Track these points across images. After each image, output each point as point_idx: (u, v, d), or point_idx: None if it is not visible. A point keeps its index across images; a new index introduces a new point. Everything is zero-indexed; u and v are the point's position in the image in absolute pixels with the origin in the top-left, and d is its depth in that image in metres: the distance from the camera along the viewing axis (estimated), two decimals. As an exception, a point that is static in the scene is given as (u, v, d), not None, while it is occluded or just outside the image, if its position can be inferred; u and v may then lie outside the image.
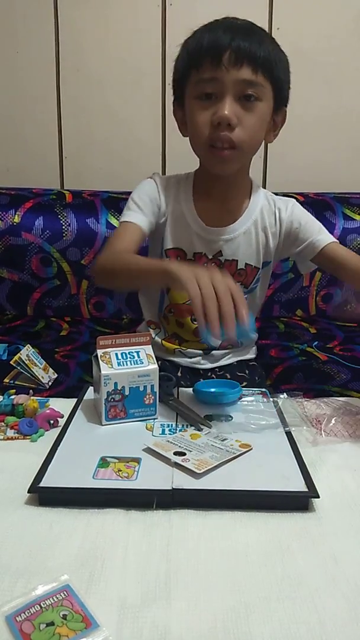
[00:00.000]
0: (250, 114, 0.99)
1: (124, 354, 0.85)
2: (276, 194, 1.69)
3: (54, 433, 0.81)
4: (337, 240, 1.12)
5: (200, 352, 1.18)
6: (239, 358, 1.22)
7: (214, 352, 1.19)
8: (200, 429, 0.81)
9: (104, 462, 0.72)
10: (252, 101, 0.98)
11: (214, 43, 0.96)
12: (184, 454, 0.72)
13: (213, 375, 1.18)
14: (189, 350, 1.18)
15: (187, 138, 1.06)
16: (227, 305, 0.76)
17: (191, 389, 0.94)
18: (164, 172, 1.86)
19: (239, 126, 0.98)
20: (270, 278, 1.23)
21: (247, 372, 1.21)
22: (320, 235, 1.11)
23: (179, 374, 1.16)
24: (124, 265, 0.99)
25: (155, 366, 0.85)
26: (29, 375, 1.08)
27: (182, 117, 1.08)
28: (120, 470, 0.70)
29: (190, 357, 1.19)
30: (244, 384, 1.12)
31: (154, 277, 0.94)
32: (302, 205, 1.65)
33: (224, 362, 1.20)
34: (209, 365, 1.19)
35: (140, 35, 1.76)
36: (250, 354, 1.26)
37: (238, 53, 0.95)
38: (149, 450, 0.74)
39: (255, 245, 1.13)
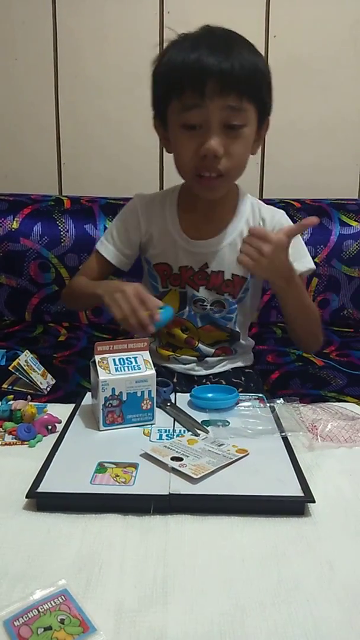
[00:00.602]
0: (236, 142, 0.98)
1: (121, 360, 0.86)
2: (273, 200, 1.70)
3: (52, 438, 0.81)
4: (314, 268, 1.13)
5: (195, 359, 1.19)
6: (235, 365, 1.22)
7: (207, 358, 1.19)
8: (197, 435, 0.82)
9: (101, 468, 0.72)
10: (237, 129, 0.97)
11: (195, 70, 0.93)
12: (181, 459, 0.73)
13: (207, 382, 1.18)
14: (183, 357, 1.19)
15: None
16: (138, 312, 0.93)
17: (188, 394, 0.95)
18: (161, 179, 1.87)
19: (225, 156, 0.98)
20: (261, 286, 1.23)
21: (242, 379, 1.21)
22: (298, 262, 1.08)
23: (174, 379, 1.16)
24: (78, 289, 1.16)
25: (153, 372, 0.86)
26: (27, 380, 1.08)
27: (164, 134, 1.07)
28: (118, 476, 0.70)
29: (185, 364, 1.19)
30: (240, 390, 1.11)
31: (96, 299, 1.02)
32: (299, 211, 1.68)
33: (218, 369, 1.20)
34: (203, 372, 1.19)
35: (138, 43, 1.77)
36: (246, 362, 1.26)
37: (222, 81, 0.92)
38: (146, 456, 0.75)
39: None
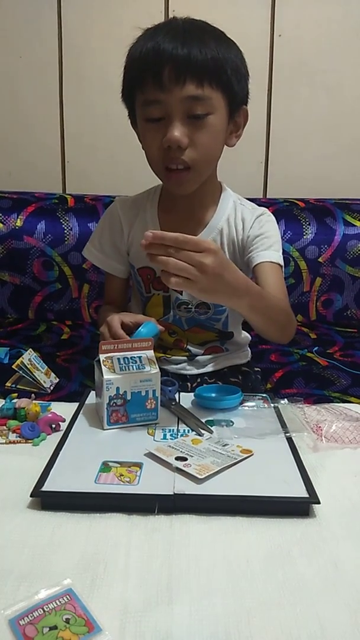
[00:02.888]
0: (202, 131, 0.96)
1: (126, 359, 0.86)
2: (277, 200, 1.70)
3: (56, 437, 0.81)
4: (280, 264, 1.07)
5: (185, 358, 1.18)
6: (230, 363, 1.21)
7: (198, 357, 1.18)
8: (201, 434, 0.81)
9: (105, 467, 0.72)
10: (201, 118, 0.95)
11: (152, 59, 0.92)
12: (186, 459, 0.73)
13: (200, 380, 1.17)
14: (173, 357, 1.19)
15: None
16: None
17: (192, 394, 0.95)
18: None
19: (190, 147, 0.96)
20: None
21: (240, 377, 1.20)
22: (264, 252, 1.06)
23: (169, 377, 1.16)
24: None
25: (157, 371, 0.86)
26: (30, 379, 1.08)
27: (137, 130, 1.07)
28: (122, 475, 0.70)
29: (176, 364, 1.19)
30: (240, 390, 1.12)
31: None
32: (303, 211, 1.68)
33: (211, 367, 1.19)
34: (194, 371, 1.19)
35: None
36: (242, 359, 1.24)
37: (177, 68, 0.91)
38: (150, 455, 0.74)
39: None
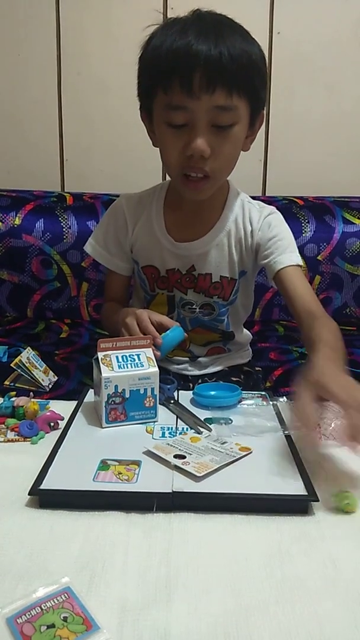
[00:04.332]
0: (225, 141, 0.92)
1: (124, 357, 0.86)
2: (276, 198, 1.69)
3: (55, 435, 0.81)
4: (301, 265, 1.06)
5: (187, 359, 1.18)
6: (231, 363, 1.21)
7: (200, 359, 1.18)
8: (200, 432, 0.81)
9: (104, 465, 0.72)
10: (226, 129, 0.91)
11: (183, 60, 0.86)
12: (184, 457, 0.73)
13: (201, 381, 1.17)
14: (175, 357, 1.18)
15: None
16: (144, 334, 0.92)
17: (191, 392, 0.95)
18: (164, 175, 1.87)
19: (212, 156, 0.92)
20: (253, 285, 1.20)
21: (241, 377, 1.20)
22: (283, 255, 1.04)
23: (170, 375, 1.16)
24: (107, 324, 1.17)
25: (156, 369, 0.86)
26: (29, 377, 1.08)
27: (150, 127, 1.02)
28: (121, 473, 0.70)
29: (178, 364, 1.18)
30: (240, 388, 1.12)
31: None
32: (302, 209, 1.67)
33: (212, 368, 1.19)
34: (196, 372, 1.18)
35: (142, 39, 1.77)
36: (243, 358, 1.24)
37: (209, 75, 0.86)
38: (149, 453, 0.74)
39: (228, 257, 1.08)
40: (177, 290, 1.11)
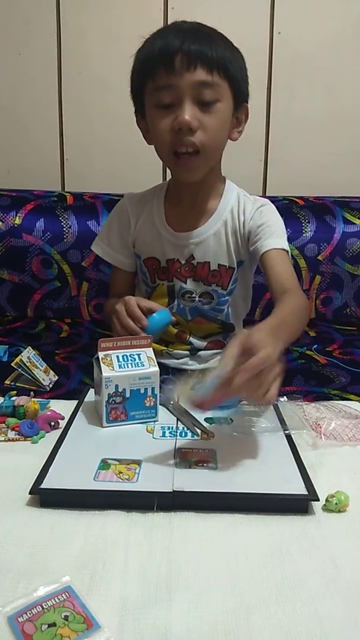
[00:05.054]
0: (211, 115, 0.99)
1: (125, 357, 0.86)
2: (276, 197, 1.70)
3: (55, 435, 0.81)
4: (286, 249, 1.08)
5: (187, 352, 1.19)
6: None
7: (200, 352, 1.19)
8: (197, 434, 0.81)
9: (104, 464, 0.72)
10: (210, 104, 0.99)
11: (164, 49, 0.96)
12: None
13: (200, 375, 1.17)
14: (175, 351, 1.19)
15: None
16: (128, 325, 0.97)
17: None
18: (164, 175, 1.87)
19: (200, 129, 0.99)
20: (252, 279, 1.23)
21: None
22: (268, 240, 1.07)
23: (169, 376, 1.16)
24: (108, 317, 1.12)
25: (156, 369, 0.86)
26: (29, 377, 1.08)
27: (145, 127, 1.09)
28: (121, 472, 0.70)
29: (178, 359, 1.20)
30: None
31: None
32: (302, 209, 1.68)
33: (213, 363, 1.20)
34: (196, 366, 1.19)
35: (142, 39, 1.77)
36: None
37: (189, 55, 0.95)
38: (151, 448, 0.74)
39: (225, 246, 1.13)
40: (177, 280, 1.15)
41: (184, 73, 0.96)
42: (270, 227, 1.10)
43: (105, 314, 1.27)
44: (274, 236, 1.09)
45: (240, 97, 1.04)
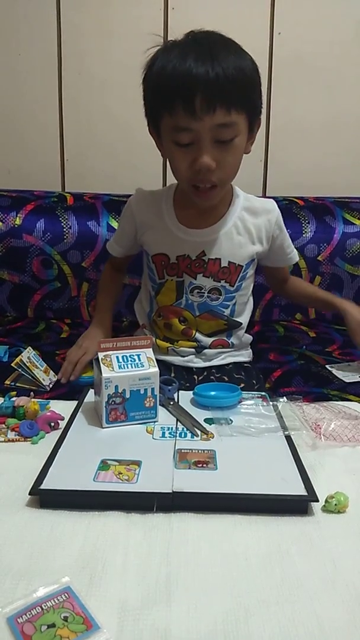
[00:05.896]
0: (228, 153, 1.00)
1: (124, 357, 0.86)
2: (277, 198, 1.70)
3: (55, 435, 0.81)
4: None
5: (193, 350, 1.20)
6: (234, 360, 1.24)
7: (206, 350, 1.20)
8: (196, 435, 0.81)
9: (104, 465, 0.72)
10: (228, 142, 0.99)
11: (183, 84, 0.93)
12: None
13: (212, 378, 1.18)
14: (181, 348, 1.20)
15: None
16: (68, 368, 1.16)
17: (191, 392, 0.95)
18: (164, 175, 1.87)
19: (218, 168, 1.00)
20: (254, 279, 1.27)
21: (243, 374, 1.22)
22: (292, 254, 1.27)
23: (172, 374, 1.16)
24: (98, 295, 1.40)
25: (156, 369, 0.86)
26: (30, 377, 1.09)
27: (158, 139, 1.09)
28: (121, 473, 0.70)
29: (184, 356, 1.20)
30: (242, 385, 1.13)
31: None
32: (302, 209, 1.68)
33: (217, 362, 1.21)
34: (202, 364, 1.20)
35: (142, 39, 1.77)
36: (245, 357, 1.27)
37: (210, 96, 0.93)
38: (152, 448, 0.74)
39: (237, 245, 1.16)
40: (187, 276, 1.17)
41: (204, 117, 0.94)
42: (286, 235, 1.24)
43: (99, 288, 1.43)
44: (291, 246, 1.26)
45: (255, 118, 1.04)
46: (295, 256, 1.28)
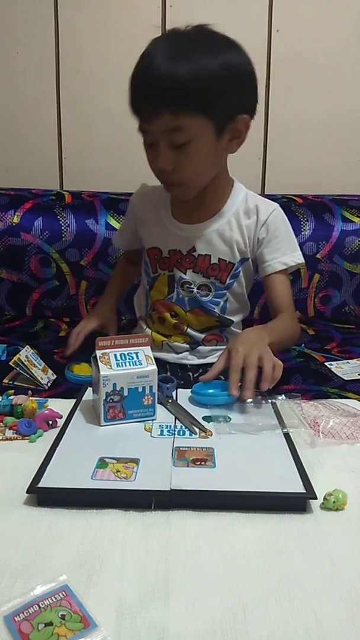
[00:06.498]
0: (185, 157, 0.99)
1: (122, 355, 0.86)
2: (275, 196, 1.69)
3: (53, 434, 0.81)
4: (290, 265, 1.15)
5: (187, 346, 1.20)
6: None
7: (200, 347, 1.20)
8: (195, 433, 0.81)
9: (102, 463, 0.72)
10: (183, 146, 0.97)
11: (135, 90, 0.97)
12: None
13: (200, 370, 1.18)
14: (175, 344, 1.20)
15: None
16: (71, 340, 1.23)
17: (190, 390, 0.95)
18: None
19: (176, 170, 1.01)
20: (252, 277, 1.24)
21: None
22: (271, 264, 1.15)
23: (168, 372, 1.16)
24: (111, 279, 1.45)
25: (154, 367, 0.86)
26: (28, 376, 1.08)
27: None
28: (119, 471, 0.70)
29: (178, 352, 1.20)
30: (239, 384, 1.13)
31: None
32: (301, 207, 1.67)
33: (212, 359, 1.20)
34: (196, 361, 1.20)
35: (140, 37, 1.76)
36: None
37: (154, 102, 0.93)
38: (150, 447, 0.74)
39: (229, 243, 1.15)
40: (177, 270, 1.17)
41: (153, 120, 0.96)
42: (280, 243, 1.16)
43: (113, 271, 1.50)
44: (280, 252, 1.15)
45: (224, 118, 0.99)
46: (275, 266, 1.14)
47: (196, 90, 0.93)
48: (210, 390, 0.93)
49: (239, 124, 1.02)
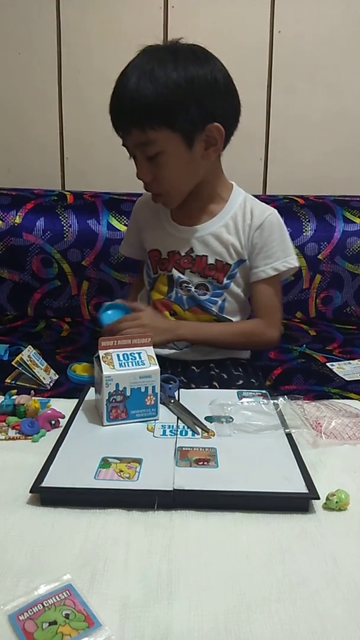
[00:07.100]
0: (160, 168, 1.06)
1: (125, 355, 0.86)
2: (276, 196, 1.70)
3: (56, 433, 0.81)
4: (280, 270, 1.16)
5: (187, 343, 1.20)
6: (232, 355, 1.24)
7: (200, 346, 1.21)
8: (197, 433, 0.81)
9: (105, 463, 0.72)
10: (155, 158, 1.04)
11: (110, 110, 1.06)
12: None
13: (212, 373, 1.18)
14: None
15: None
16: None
17: (192, 391, 0.95)
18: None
19: (154, 181, 1.08)
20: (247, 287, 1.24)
21: (241, 370, 1.22)
22: (259, 270, 1.16)
23: (168, 370, 1.16)
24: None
25: (157, 367, 0.86)
26: (30, 375, 1.09)
27: None
28: (122, 471, 0.70)
29: (180, 349, 1.21)
30: (240, 382, 1.15)
31: None
32: (302, 208, 1.68)
33: (213, 356, 1.22)
34: (198, 357, 1.21)
35: (142, 37, 1.76)
36: (242, 354, 1.27)
37: (123, 119, 1.03)
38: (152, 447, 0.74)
39: (225, 244, 1.17)
40: (176, 270, 1.20)
41: (126, 136, 1.05)
42: (270, 250, 1.16)
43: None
44: (273, 258, 1.16)
45: (193, 130, 1.03)
46: (263, 273, 1.16)
47: (158, 106, 1.00)
48: (109, 312, 1.12)
49: (212, 132, 1.06)
